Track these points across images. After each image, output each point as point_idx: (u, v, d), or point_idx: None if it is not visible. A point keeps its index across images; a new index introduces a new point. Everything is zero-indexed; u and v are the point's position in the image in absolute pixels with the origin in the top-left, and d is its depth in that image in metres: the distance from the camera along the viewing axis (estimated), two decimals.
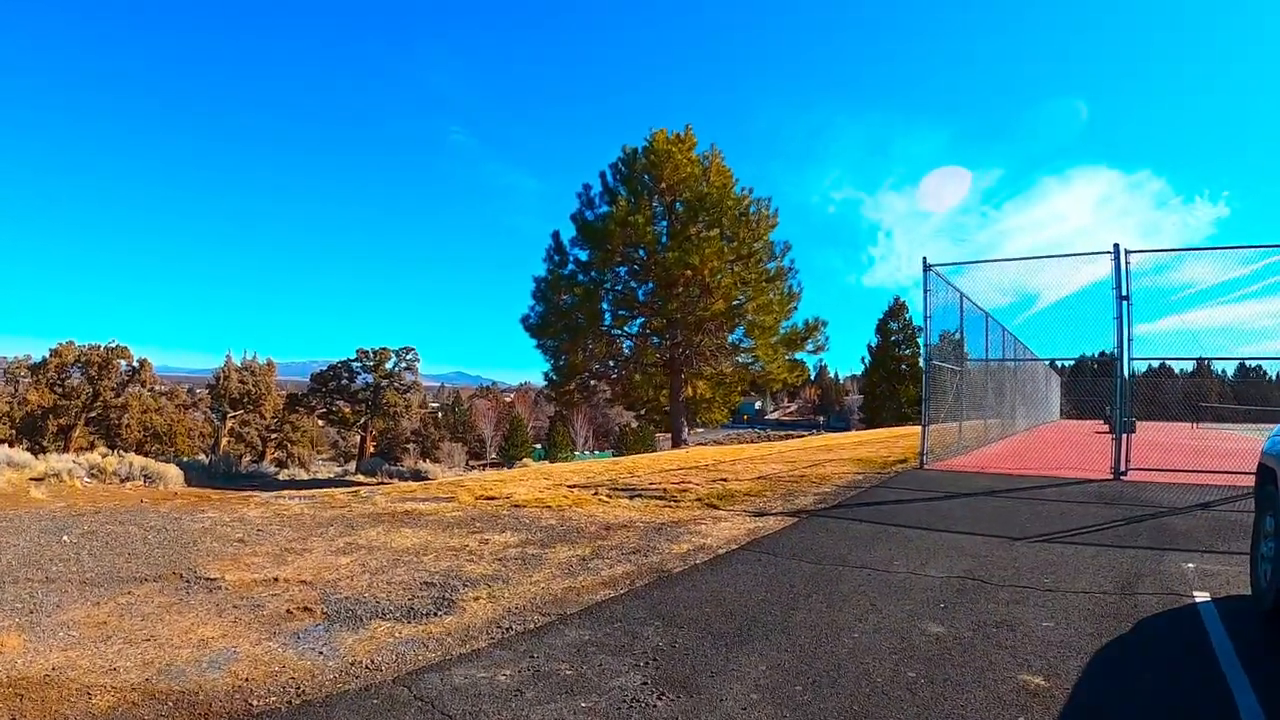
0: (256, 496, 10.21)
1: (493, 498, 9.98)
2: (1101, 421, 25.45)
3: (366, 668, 4.06)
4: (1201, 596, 5.44)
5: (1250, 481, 10.11)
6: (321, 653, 4.26)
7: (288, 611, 4.93)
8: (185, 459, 39.99)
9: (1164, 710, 3.66)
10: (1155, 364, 12.93)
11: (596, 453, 71.29)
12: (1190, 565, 6.36)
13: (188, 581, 5.61)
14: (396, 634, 4.59)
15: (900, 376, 59.76)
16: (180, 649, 4.25)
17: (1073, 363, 32.16)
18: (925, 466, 13.15)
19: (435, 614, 4.98)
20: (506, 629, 4.70)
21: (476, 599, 5.32)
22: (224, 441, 55.66)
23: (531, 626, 4.76)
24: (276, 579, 5.72)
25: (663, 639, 4.54)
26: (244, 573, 5.89)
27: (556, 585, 5.72)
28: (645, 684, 3.87)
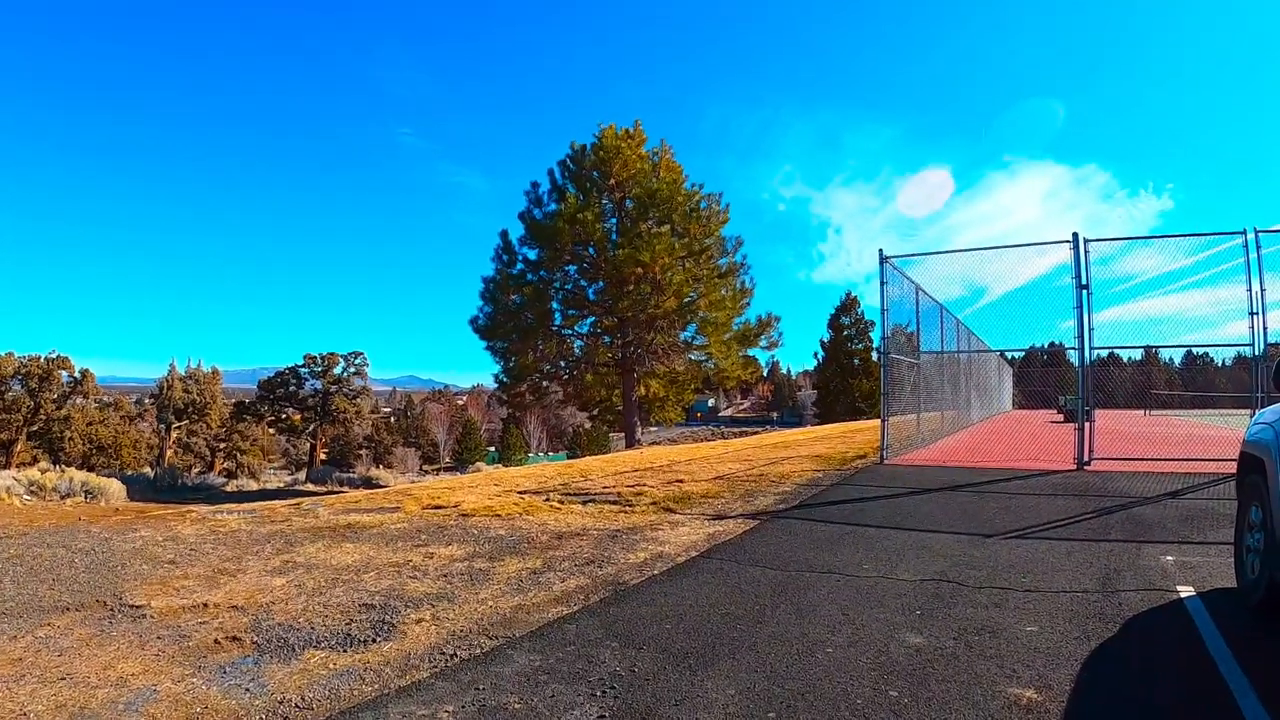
0: (194, 512, 9.65)
1: (440, 507, 9.55)
2: (1055, 411, 25.69)
3: (296, 706, 3.66)
4: (1186, 591, 5.24)
5: (1218, 469, 10.58)
6: (248, 689, 3.86)
7: (215, 642, 4.54)
8: (130, 472, 38.99)
9: None
10: (1104, 353, 12.83)
11: (551, 455, 70.79)
12: (1169, 558, 6.15)
13: (112, 610, 5.19)
14: (331, 665, 4.19)
15: (853, 371, 60.19)
16: (98, 689, 3.85)
17: (1023, 353, 32.47)
18: (886, 461, 12.92)
19: (374, 640, 4.57)
20: (450, 656, 4.31)
21: (419, 621, 4.92)
22: (169, 453, 54.30)
23: (478, 652, 4.36)
24: (206, 604, 5.29)
25: (620, 663, 4.15)
26: (172, 598, 5.46)
27: (505, 603, 5.32)
28: (603, 717, 3.48)
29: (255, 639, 4.59)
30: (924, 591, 5.38)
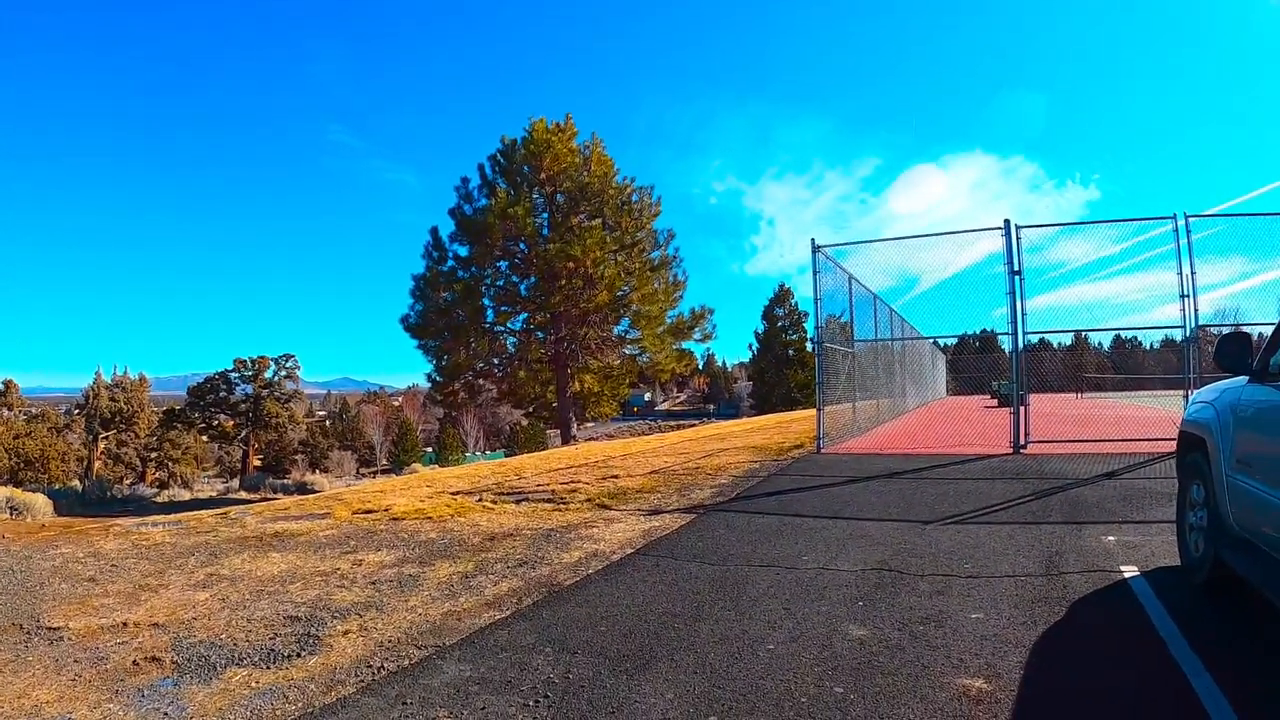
0: (118, 525, 9.17)
1: (371, 511, 9.21)
2: (989, 396, 26.06)
3: None
4: (1130, 571, 5.20)
5: (1152, 448, 10.64)
6: (166, 713, 3.69)
7: (134, 663, 4.31)
8: (58, 486, 37.62)
9: (1122, 705, 3.35)
10: (1034, 339, 12.99)
11: (488, 453, 70.05)
12: (1111, 538, 6.14)
13: (28, 633, 4.91)
14: (254, 683, 3.97)
15: (788, 361, 60.78)
16: (11, 719, 3.61)
17: (956, 340, 32.96)
18: (823, 451, 12.84)
19: (299, 655, 4.34)
20: (378, 669, 4.08)
21: (346, 633, 4.67)
22: (98, 465, 52.44)
23: (406, 663, 4.13)
24: (126, 623, 5.01)
25: (555, 669, 3.92)
26: (91, 618, 5.17)
27: (435, 610, 5.07)
28: None
29: (176, 658, 4.38)
30: (866, 581, 5.25)
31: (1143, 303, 12.17)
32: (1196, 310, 10.82)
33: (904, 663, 3.81)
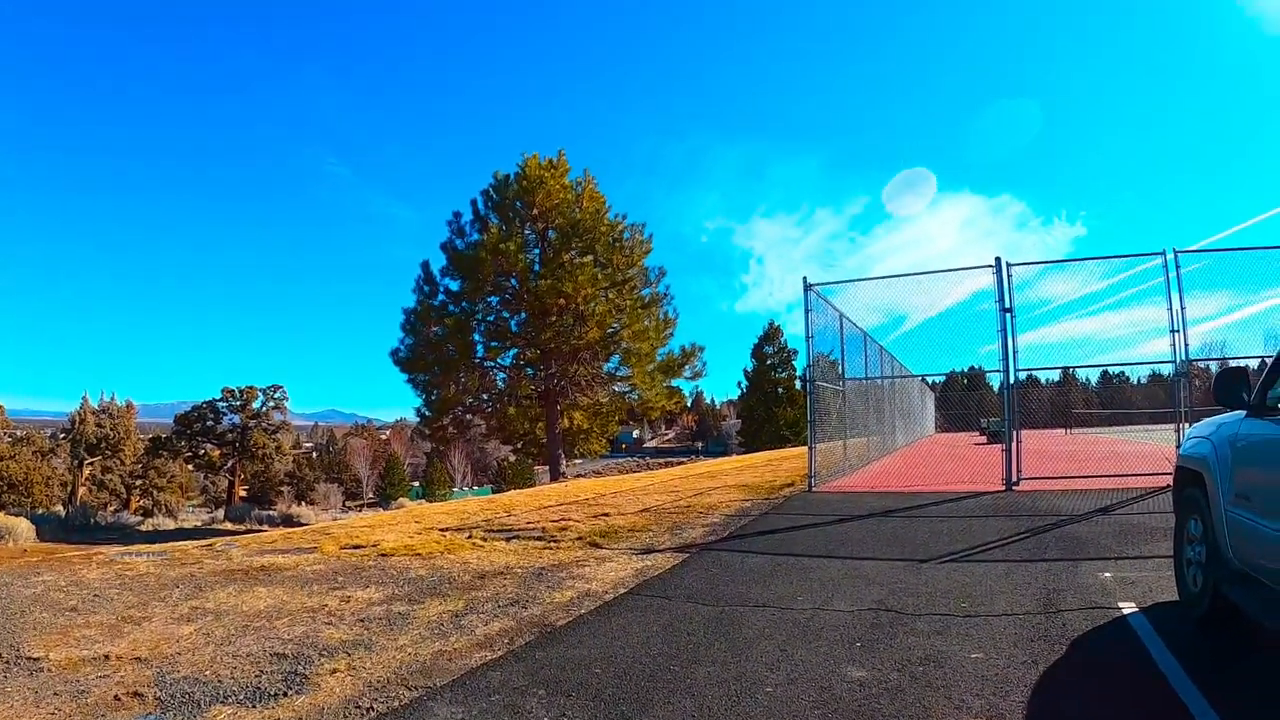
0: (102, 554, 9.08)
1: (359, 546, 9.12)
2: (978, 433, 26.11)
3: None
4: (1128, 607, 5.16)
5: (1146, 483, 10.65)
6: None
7: (116, 698, 4.20)
8: (41, 511, 37.24)
9: None
10: (1023, 375, 13.01)
11: (475, 489, 69.67)
12: (1107, 574, 6.10)
13: (8, 663, 4.83)
14: None
15: (777, 399, 60.69)
16: None
17: (944, 378, 33.04)
18: (814, 489, 12.78)
19: (285, 693, 4.24)
20: (366, 709, 3.98)
21: (334, 672, 4.57)
22: (82, 490, 51.85)
23: (396, 705, 4.03)
24: (108, 656, 4.93)
25: (549, 713, 3.83)
26: (72, 649, 5.08)
27: (425, 650, 4.97)
28: None
29: (158, 694, 4.27)
30: (863, 622, 5.18)
31: (1129, 338, 12.23)
32: (1187, 345, 10.89)
33: (905, 705, 3.73)
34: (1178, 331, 10.85)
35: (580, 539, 9.13)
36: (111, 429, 55.52)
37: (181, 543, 10.33)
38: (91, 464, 54.16)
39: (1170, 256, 11.01)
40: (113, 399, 58.72)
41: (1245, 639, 4.35)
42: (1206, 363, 12.85)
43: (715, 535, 8.98)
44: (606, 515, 11.12)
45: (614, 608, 5.90)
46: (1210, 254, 11.63)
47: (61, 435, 56.58)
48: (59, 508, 42.14)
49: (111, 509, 47.25)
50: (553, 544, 8.91)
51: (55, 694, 4.26)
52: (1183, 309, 10.85)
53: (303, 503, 59.72)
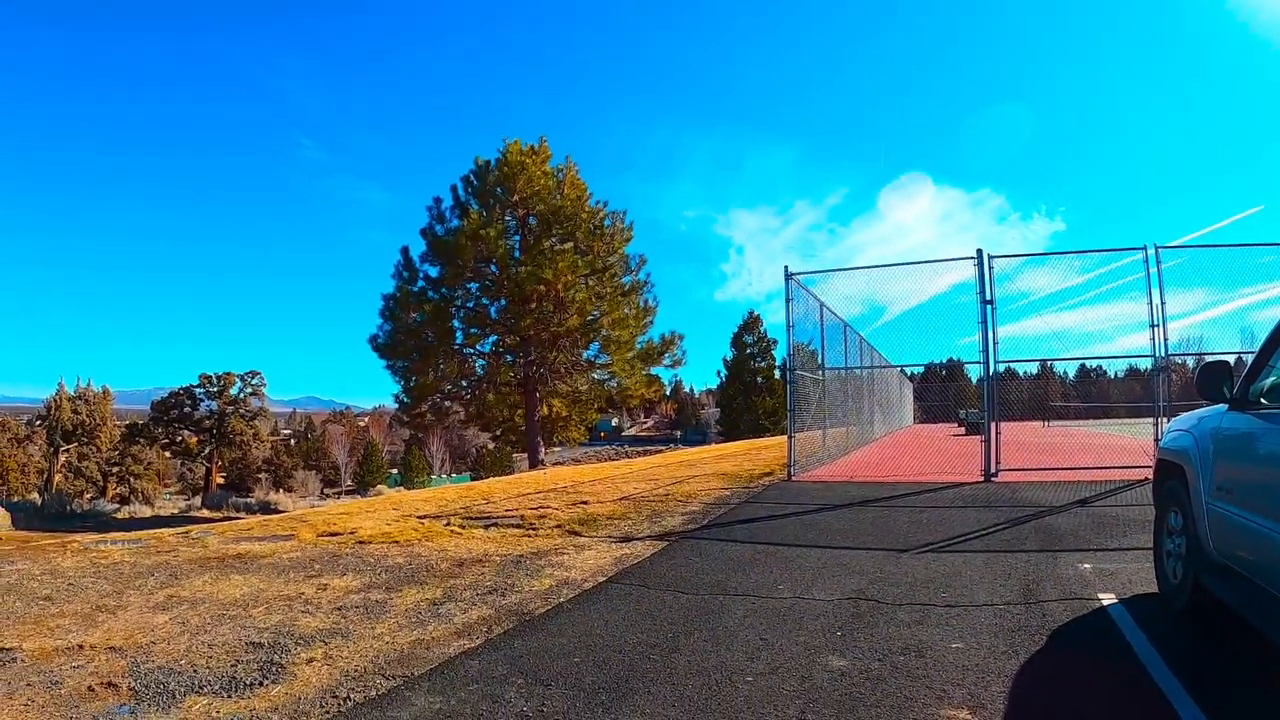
0: (76, 541, 8.93)
1: (336, 534, 9.03)
2: (956, 424, 26.22)
3: None
4: (1108, 598, 5.19)
5: (1124, 475, 10.72)
6: None
7: (90, 689, 4.14)
8: (17, 499, 36.87)
9: None
10: (1002, 368, 13.07)
11: (454, 476, 69.47)
12: (1087, 566, 6.12)
13: None
14: (214, 712, 3.82)
15: (756, 389, 60.75)
16: None
17: (922, 369, 33.19)
18: (794, 478, 12.79)
19: (261, 683, 4.18)
20: (343, 699, 3.92)
21: (310, 661, 4.51)
22: (58, 478, 51.37)
23: (373, 694, 3.98)
24: (82, 646, 4.84)
25: (528, 702, 3.78)
26: (46, 639, 4.98)
27: (403, 638, 4.91)
28: None
29: (133, 684, 4.20)
30: (843, 611, 5.17)
31: (1108, 332, 12.36)
32: (1167, 339, 10.94)
33: (886, 694, 3.72)
34: (1158, 326, 10.90)
35: (559, 527, 9.08)
36: (88, 415, 55.07)
37: (158, 530, 10.20)
38: (68, 451, 53.71)
39: (1151, 252, 11.06)
40: (89, 385, 58.33)
41: (1224, 629, 4.37)
42: (1184, 358, 12.91)
43: (694, 524, 8.95)
44: (585, 503, 11.08)
45: (593, 596, 5.86)
46: (1189, 250, 11.69)
47: (38, 422, 56.01)
48: (35, 495, 41.82)
49: (88, 496, 46.94)
50: (531, 532, 8.86)
51: (28, 685, 4.19)
52: (1163, 303, 10.90)
53: (280, 490, 59.41)
